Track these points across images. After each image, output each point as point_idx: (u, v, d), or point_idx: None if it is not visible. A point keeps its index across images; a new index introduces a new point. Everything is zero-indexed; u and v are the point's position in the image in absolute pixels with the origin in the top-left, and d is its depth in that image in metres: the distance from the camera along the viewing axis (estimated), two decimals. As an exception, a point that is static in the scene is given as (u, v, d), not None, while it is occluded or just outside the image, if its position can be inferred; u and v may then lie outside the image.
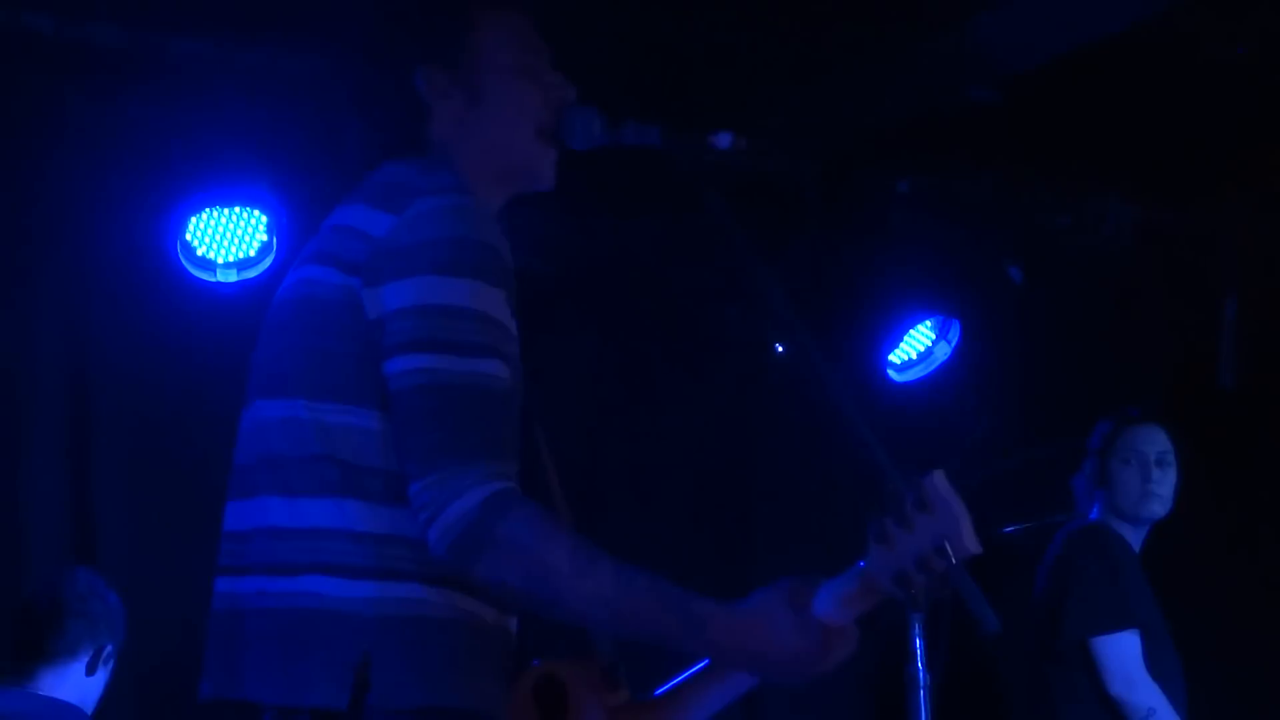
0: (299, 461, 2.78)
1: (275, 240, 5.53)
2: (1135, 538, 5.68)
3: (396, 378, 2.72)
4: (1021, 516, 6.08)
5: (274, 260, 5.52)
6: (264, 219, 5.53)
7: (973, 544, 2.60)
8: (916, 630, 2.86)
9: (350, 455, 2.74)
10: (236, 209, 5.52)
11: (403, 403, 2.71)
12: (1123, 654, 5.44)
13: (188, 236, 5.49)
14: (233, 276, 5.55)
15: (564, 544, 2.68)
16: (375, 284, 2.75)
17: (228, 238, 5.55)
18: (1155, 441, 5.71)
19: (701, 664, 3.09)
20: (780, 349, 6.28)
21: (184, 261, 5.49)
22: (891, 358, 6.55)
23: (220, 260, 5.55)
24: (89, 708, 4.77)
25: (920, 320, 6.53)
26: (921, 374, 6.60)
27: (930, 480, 2.63)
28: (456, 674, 2.74)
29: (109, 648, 4.79)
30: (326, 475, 2.75)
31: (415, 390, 2.70)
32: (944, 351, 6.60)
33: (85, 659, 4.74)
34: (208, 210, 5.48)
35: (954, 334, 6.57)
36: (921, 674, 2.88)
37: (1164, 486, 5.68)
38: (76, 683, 4.73)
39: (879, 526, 2.67)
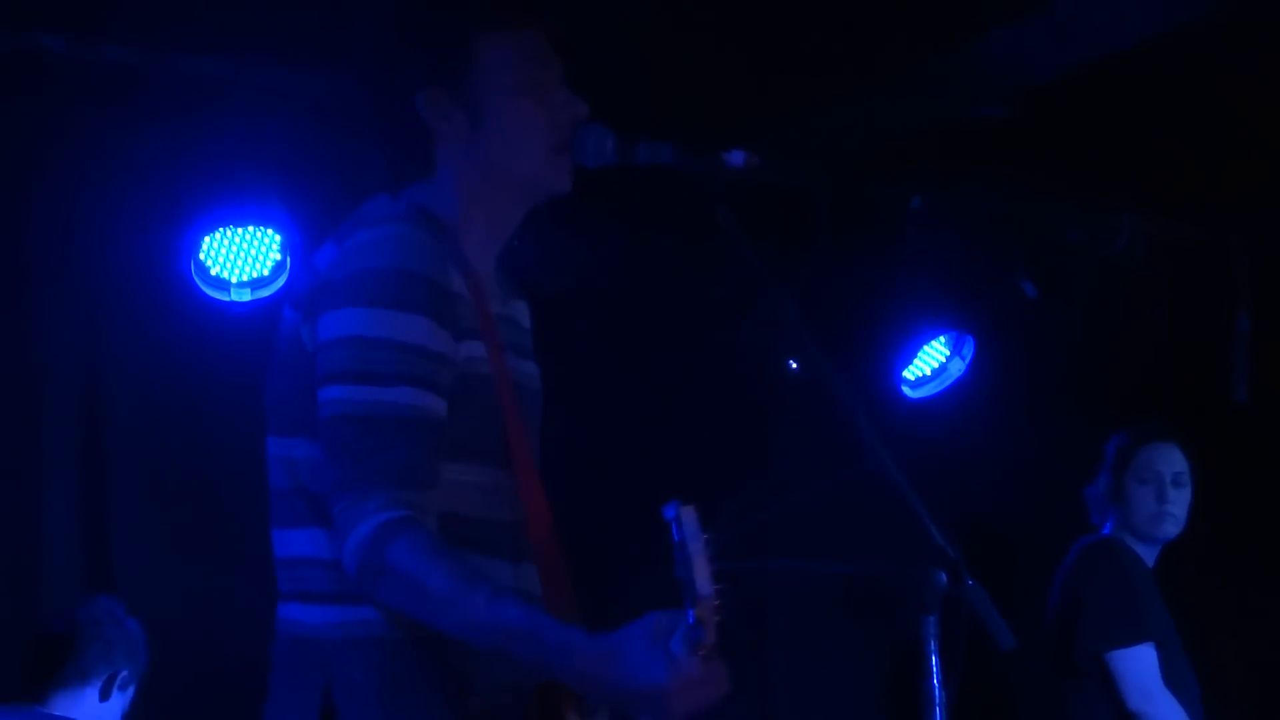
0: (281, 495, 2.89)
1: (289, 260, 5.53)
2: (1148, 554, 5.67)
3: (320, 408, 2.80)
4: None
5: (287, 280, 5.52)
6: (277, 238, 5.54)
7: (705, 588, 2.56)
8: (932, 646, 2.86)
9: (313, 485, 2.83)
10: (250, 228, 5.53)
11: (322, 433, 2.80)
12: (1140, 668, 5.43)
13: (201, 256, 5.50)
14: (246, 296, 5.56)
15: (444, 570, 2.70)
16: (311, 318, 2.84)
17: (241, 257, 5.56)
18: (1172, 461, 5.70)
19: None
20: (794, 366, 6.27)
21: (198, 281, 5.50)
22: (906, 374, 6.55)
23: (234, 280, 5.56)
24: None
25: (934, 336, 6.53)
26: (936, 390, 6.60)
27: (679, 516, 2.58)
28: (421, 694, 2.78)
29: (124, 673, 4.80)
30: (299, 507, 2.86)
31: (329, 421, 2.78)
32: (958, 368, 6.59)
33: (99, 684, 4.75)
34: (221, 230, 5.49)
35: (968, 350, 6.57)
36: (937, 690, 2.87)
37: (1179, 507, 5.67)
38: (90, 708, 4.75)
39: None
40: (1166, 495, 5.65)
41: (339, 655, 2.78)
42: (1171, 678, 5.47)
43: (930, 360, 6.60)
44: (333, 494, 2.76)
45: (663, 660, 2.64)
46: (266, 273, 5.57)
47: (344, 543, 2.71)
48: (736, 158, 3.04)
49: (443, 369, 2.82)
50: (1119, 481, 5.70)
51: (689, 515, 2.57)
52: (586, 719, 2.96)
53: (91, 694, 4.74)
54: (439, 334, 2.81)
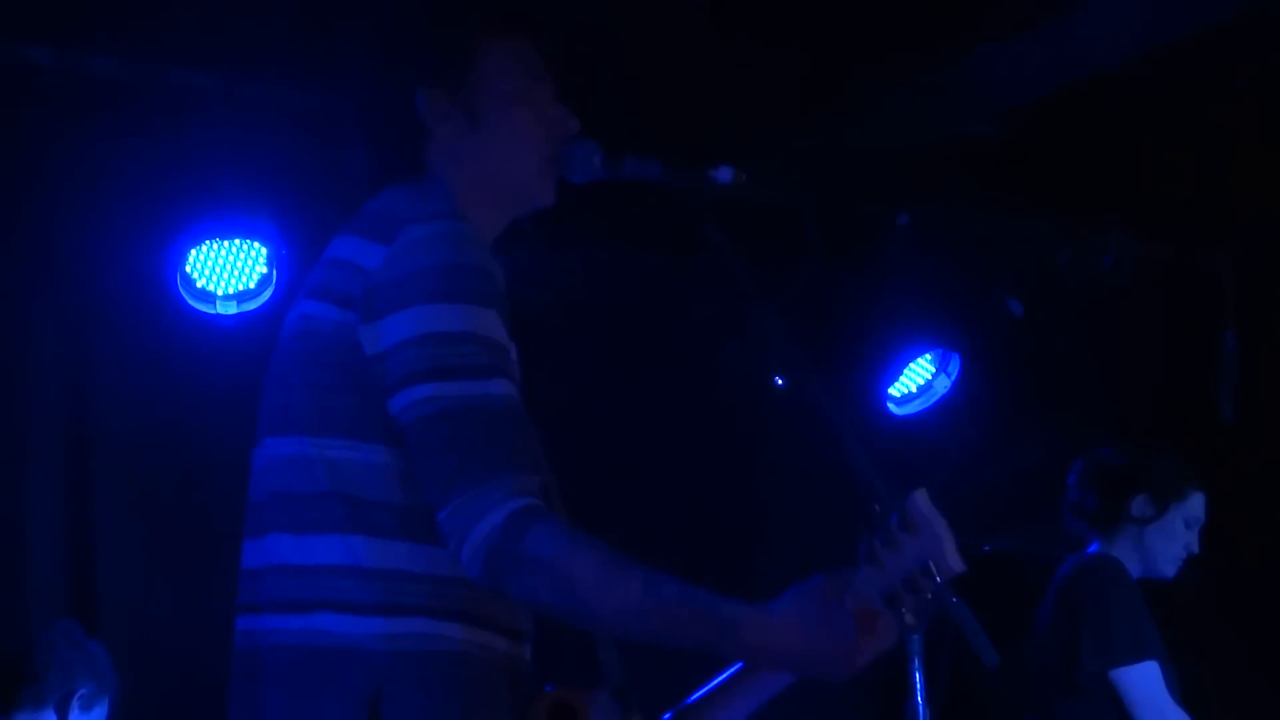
0: (306, 498, 2.77)
1: (275, 273, 5.53)
2: (1134, 574, 5.65)
3: (405, 411, 2.71)
4: (1006, 534, 6.07)
5: (273, 293, 5.52)
6: (264, 251, 5.54)
7: (956, 563, 2.58)
8: (916, 664, 2.86)
9: (357, 490, 2.74)
10: (236, 241, 5.52)
11: (415, 434, 2.70)
12: (1148, 684, 5.38)
13: (188, 269, 5.50)
14: (232, 309, 5.55)
15: (591, 555, 2.67)
16: (371, 319, 2.74)
17: (227, 270, 5.55)
18: (1204, 508, 5.68)
19: (711, 684, 3.08)
20: (780, 382, 6.27)
21: (184, 294, 5.49)
22: (891, 391, 6.55)
23: (220, 292, 5.55)
24: None
25: (920, 354, 6.54)
26: (921, 407, 6.60)
27: (912, 500, 2.61)
28: (468, 708, 2.74)
29: (83, 691, 4.79)
30: (332, 512, 2.74)
31: (425, 420, 2.69)
32: (944, 385, 6.60)
33: (54, 704, 4.76)
34: (208, 242, 5.49)
35: (954, 367, 6.58)
36: (921, 708, 2.88)
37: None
38: None
39: (868, 547, 2.66)
40: (1196, 545, 5.64)
41: (388, 668, 2.69)
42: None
43: (916, 377, 6.60)
44: (438, 494, 2.66)
45: (846, 620, 2.65)
46: (253, 286, 5.56)
47: (465, 538, 2.63)
48: (724, 174, 3.05)
49: (515, 366, 2.79)
50: (1163, 510, 5.61)
51: (923, 497, 2.60)
52: (626, 718, 2.97)
53: (49, 715, 4.76)
54: (505, 330, 2.77)
